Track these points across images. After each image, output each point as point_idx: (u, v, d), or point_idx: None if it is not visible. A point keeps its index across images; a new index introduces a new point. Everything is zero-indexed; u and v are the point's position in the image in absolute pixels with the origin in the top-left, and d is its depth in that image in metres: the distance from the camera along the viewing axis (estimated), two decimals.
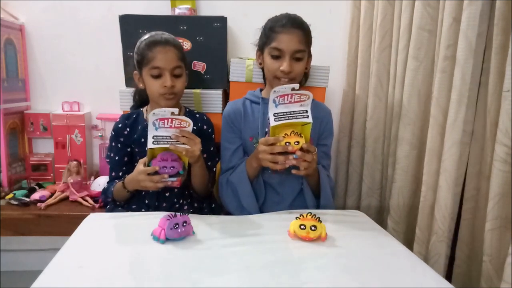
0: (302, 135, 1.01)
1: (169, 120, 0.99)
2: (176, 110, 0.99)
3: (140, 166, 1.07)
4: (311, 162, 1.03)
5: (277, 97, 0.98)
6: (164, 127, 1.00)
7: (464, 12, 0.99)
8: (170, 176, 1.03)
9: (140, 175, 1.05)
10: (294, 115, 1.00)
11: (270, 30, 1.17)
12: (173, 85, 1.15)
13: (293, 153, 1.00)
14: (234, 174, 1.19)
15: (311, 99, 1.00)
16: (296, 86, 0.97)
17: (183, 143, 1.02)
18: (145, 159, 1.06)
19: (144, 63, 1.16)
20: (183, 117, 1.00)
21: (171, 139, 1.01)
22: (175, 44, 1.19)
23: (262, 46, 1.21)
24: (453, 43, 1.05)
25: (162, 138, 1.00)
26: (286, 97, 0.98)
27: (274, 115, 0.99)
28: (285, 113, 1.00)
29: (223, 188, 1.22)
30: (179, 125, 1.01)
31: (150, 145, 1.00)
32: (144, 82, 1.19)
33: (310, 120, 1.00)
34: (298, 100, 0.99)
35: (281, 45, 1.14)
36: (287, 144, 1.00)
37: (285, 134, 1.01)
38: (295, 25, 1.15)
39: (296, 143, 1.00)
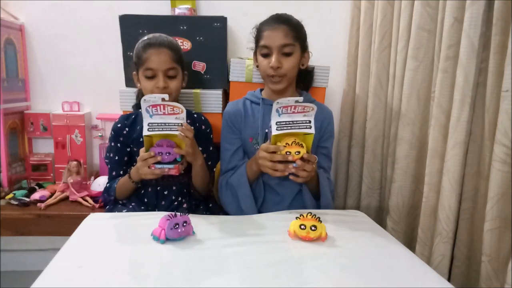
0: (303, 144, 1.01)
1: (162, 106, 1.00)
2: (166, 96, 1.00)
3: (140, 153, 1.08)
4: (310, 172, 1.04)
5: (280, 107, 0.98)
6: (158, 114, 1.01)
7: (466, 12, 0.99)
8: (167, 163, 1.04)
9: (138, 162, 1.07)
10: (296, 124, 1.00)
11: (258, 31, 1.20)
12: (166, 86, 1.17)
13: (293, 161, 1.00)
14: (234, 176, 1.19)
15: (315, 111, 1.00)
16: (300, 99, 0.97)
17: (183, 134, 1.03)
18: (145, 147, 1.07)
19: (139, 64, 1.19)
20: (175, 103, 1.01)
21: (166, 126, 1.02)
22: (170, 46, 1.20)
23: (255, 48, 1.23)
24: (454, 43, 1.05)
25: (158, 125, 1.01)
26: (289, 107, 0.99)
27: (276, 124, 0.99)
28: (287, 122, 1.00)
29: (222, 189, 1.22)
30: (172, 111, 1.01)
31: (145, 132, 1.01)
32: (140, 82, 1.22)
33: (312, 131, 1.00)
34: (301, 111, 0.99)
35: (267, 41, 1.15)
36: (288, 153, 1.00)
37: (286, 143, 1.01)
38: (280, 21, 1.16)
39: (296, 153, 1.00)
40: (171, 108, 1.01)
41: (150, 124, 1.01)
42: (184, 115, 1.02)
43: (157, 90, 1.16)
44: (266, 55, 1.17)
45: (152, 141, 1.06)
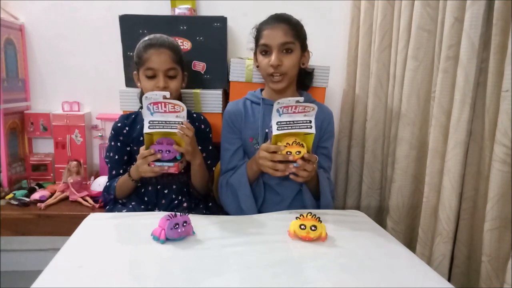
0: (304, 144, 1.01)
1: (163, 104, 1.00)
2: (168, 94, 1.00)
3: (140, 151, 1.09)
4: (311, 171, 1.04)
5: (281, 107, 0.98)
6: (159, 111, 1.01)
7: (467, 12, 0.99)
8: (167, 161, 1.04)
9: (138, 159, 1.08)
10: (297, 124, 1.00)
11: (258, 30, 1.20)
12: (166, 86, 1.18)
13: (294, 161, 1.00)
14: (234, 176, 1.19)
15: (316, 111, 1.00)
16: (301, 99, 0.97)
17: (182, 132, 1.03)
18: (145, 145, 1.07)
19: (140, 64, 1.20)
20: (176, 101, 1.02)
21: (167, 124, 1.02)
22: (171, 47, 1.21)
23: (254, 48, 1.24)
24: (455, 43, 1.05)
25: (158, 123, 1.02)
26: (290, 107, 0.99)
27: (277, 124, 0.99)
28: (288, 122, 1.00)
29: (222, 189, 1.23)
30: (173, 109, 1.02)
31: (146, 129, 1.01)
32: (140, 82, 1.23)
33: (313, 130, 1.00)
34: (302, 111, 1.00)
35: (267, 40, 1.15)
36: (288, 153, 1.00)
37: (287, 143, 1.01)
38: (279, 19, 1.17)
39: (297, 153, 1.00)
40: (172, 106, 1.01)
41: (151, 122, 1.02)
42: (185, 113, 1.03)
43: (157, 90, 1.17)
44: (266, 54, 1.17)
45: (153, 139, 1.06)
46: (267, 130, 1.18)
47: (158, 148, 1.04)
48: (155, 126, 1.02)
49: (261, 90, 1.30)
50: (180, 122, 1.03)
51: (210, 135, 1.33)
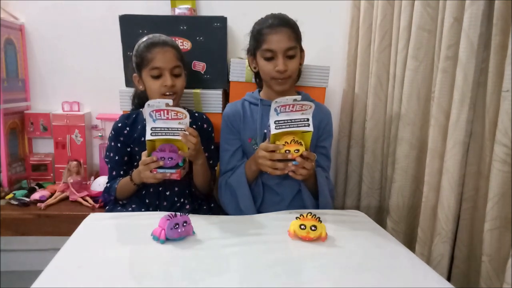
0: (302, 142, 1.02)
1: (165, 111, 1.00)
2: (170, 101, 0.99)
3: (142, 157, 1.08)
4: (310, 169, 1.04)
5: (278, 106, 0.98)
6: (161, 118, 1.00)
7: (466, 12, 0.99)
8: (169, 168, 1.04)
9: (140, 166, 1.07)
10: (295, 123, 1.00)
11: (258, 33, 1.17)
12: (173, 84, 1.17)
13: (293, 159, 1.00)
14: (233, 176, 1.19)
15: (313, 109, 1.00)
16: (298, 97, 0.97)
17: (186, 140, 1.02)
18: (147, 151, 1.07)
19: (143, 64, 1.18)
20: (179, 108, 1.01)
21: (169, 130, 1.02)
22: (173, 45, 1.21)
23: (253, 50, 1.21)
24: (454, 43, 1.05)
25: (160, 130, 1.01)
26: (287, 106, 0.99)
27: (275, 123, 0.99)
28: (286, 121, 1.00)
29: (222, 190, 1.23)
30: (176, 116, 1.01)
31: (148, 136, 1.01)
32: (144, 83, 1.21)
33: (311, 128, 1.00)
34: (299, 109, 1.00)
35: (272, 45, 1.14)
36: (287, 152, 1.00)
37: (285, 142, 1.01)
38: (282, 23, 1.15)
39: (296, 151, 1.00)
40: (174, 113, 1.00)
41: (153, 129, 1.01)
42: (187, 120, 1.02)
43: (165, 89, 1.16)
44: (270, 58, 1.16)
45: (155, 145, 1.05)
46: (265, 131, 1.18)
47: (161, 156, 1.03)
48: (158, 133, 1.01)
49: (259, 90, 1.30)
50: (182, 129, 1.02)
51: (213, 135, 1.33)
